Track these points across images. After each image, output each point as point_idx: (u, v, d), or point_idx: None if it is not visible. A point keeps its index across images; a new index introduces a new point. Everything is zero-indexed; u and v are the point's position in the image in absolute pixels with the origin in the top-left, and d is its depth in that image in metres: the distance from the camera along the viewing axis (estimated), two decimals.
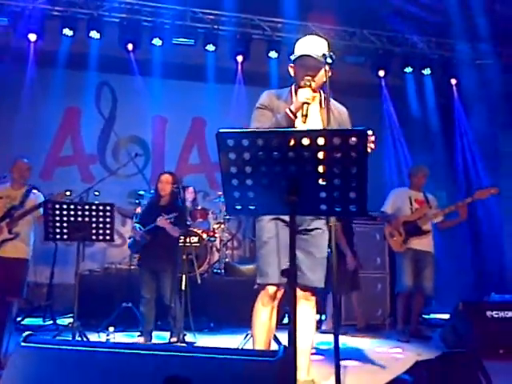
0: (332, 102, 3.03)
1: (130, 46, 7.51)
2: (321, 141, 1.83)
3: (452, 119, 8.80)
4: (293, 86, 3.04)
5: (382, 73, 8.26)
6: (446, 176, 8.59)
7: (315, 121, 2.94)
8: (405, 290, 5.49)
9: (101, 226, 4.53)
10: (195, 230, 6.52)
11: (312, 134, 1.85)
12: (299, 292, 2.82)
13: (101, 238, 4.58)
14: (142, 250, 5.11)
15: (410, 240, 5.50)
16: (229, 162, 1.91)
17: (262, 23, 7.51)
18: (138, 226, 5.13)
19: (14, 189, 5.10)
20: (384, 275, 6.43)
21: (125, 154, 7.34)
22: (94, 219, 4.50)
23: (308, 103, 2.73)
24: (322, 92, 3.03)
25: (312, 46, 2.89)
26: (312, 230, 2.94)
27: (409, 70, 8.22)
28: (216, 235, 6.78)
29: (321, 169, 1.88)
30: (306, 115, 2.70)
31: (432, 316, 6.82)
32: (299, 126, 2.78)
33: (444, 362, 1.89)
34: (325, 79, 2.92)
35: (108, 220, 4.55)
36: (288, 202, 1.93)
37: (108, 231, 4.57)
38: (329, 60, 2.68)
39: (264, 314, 2.91)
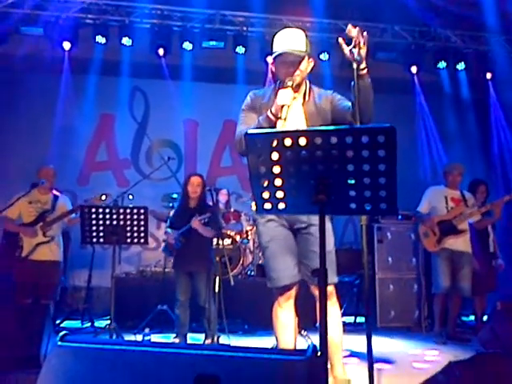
0: (314, 90, 2.97)
1: (161, 51, 7.64)
2: (349, 139, 1.83)
3: (488, 114, 8.60)
4: (277, 84, 2.98)
5: (414, 69, 8.16)
6: (483, 173, 8.40)
7: (297, 119, 2.87)
8: (441, 291, 5.39)
9: (135, 229, 4.64)
10: (228, 232, 6.56)
11: (340, 132, 1.85)
12: (317, 291, 2.79)
13: (135, 240, 4.69)
14: (176, 252, 5.14)
15: (445, 240, 5.41)
16: (257, 162, 1.93)
17: (290, 23, 7.51)
18: (169, 230, 5.16)
19: (41, 193, 5.27)
20: (420, 276, 6.33)
21: (158, 157, 7.43)
22: (128, 222, 4.62)
23: (287, 105, 2.67)
24: (307, 82, 2.96)
25: (289, 40, 2.83)
26: (307, 227, 2.89)
27: (442, 65, 8.07)
28: (249, 237, 6.80)
29: (349, 167, 1.87)
30: (285, 118, 2.65)
31: (471, 318, 6.66)
32: (280, 128, 2.71)
33: (478, 363, 1.85)
34: (309, 69, 2.90)
35: (142, 223, 4.65)
36: (317, 201, 1.93)
37: (142, 234, 4.67)
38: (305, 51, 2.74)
39: (283, 315, 2.90)
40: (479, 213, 5.50)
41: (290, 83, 2.76)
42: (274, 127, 2.72)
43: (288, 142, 1.88)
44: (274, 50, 2.87)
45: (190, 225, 4.92)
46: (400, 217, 6.45)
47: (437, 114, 8.56)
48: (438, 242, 5.43)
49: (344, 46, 2.60)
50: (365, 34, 2.55)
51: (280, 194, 1.99)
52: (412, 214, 5.91)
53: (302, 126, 2.85)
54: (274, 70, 2.96)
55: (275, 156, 1.91)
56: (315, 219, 2.83)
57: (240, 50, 7.74)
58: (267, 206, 2.03)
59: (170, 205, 6.65)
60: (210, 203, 5.32)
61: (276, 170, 1.93)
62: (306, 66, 2.90)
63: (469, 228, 5.48)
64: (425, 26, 7.93)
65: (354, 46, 2.54)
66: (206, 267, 4.89)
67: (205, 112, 8.25)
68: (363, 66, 2.63)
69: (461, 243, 5.41)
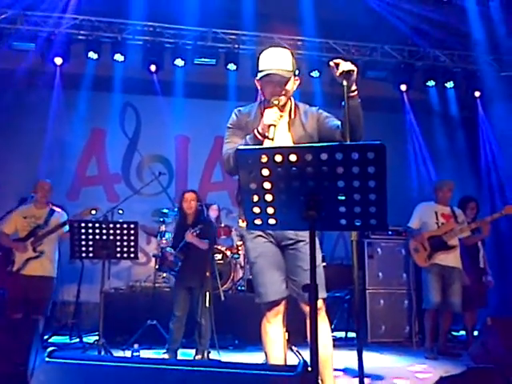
0: (300, 108, 2.97)
1: (152, 68, 7.67)
2: (339, 156, 1.84)
3: (476, 132, 8.70)
4: (262, 103, 2.96)
5: (404, 87, 8.24)
6: (472, 190, 8.46)
7: (284, 138, 2.88)
8: (432, 307, 5.41)
9: (125, 243, 4.61)
10: (219, 247, 6.55)
11: (330, 149, 1.86)
12: (306, 307, 2.78)
13: (125, 255, 4.66)
14: (178, 269, 5.13)
15: (435, 255, 5.45)
16: (248, 178, 1.94)
17: (281, 41, 7.59)
18: (168, 248, 5.21)
19: (37, 208, 5.26)
20: (411, 291, 6.33)
21: (148, 173, 7.45)
22: (118, 237, 4.58)
23: (274, 125, 2.67)
24: (292, 100, 2.96)
25: (276, 59, 2.83)
26: (295, 243, 2.88)
27: (431, 83, 8.17)
28: (239, 252, 6.78)
29: (340, 183, 1.88)
30: (273, 138, 2.65)
31: (462, 333, 6.67)
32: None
33: (469, 378, 1.85)
34: (295, 87, 2.91)
35: (132, 238, 4.62)
36: (307, 217, 1.93)
37: (132, 249, 4.64)
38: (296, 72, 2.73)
39: (271, 330, 2.88)
40: (469, 229, 5.55)
41: (276, 102, 2.77)
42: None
43: (278, 158, 1.89)
44: (259, 69, 2.87)
45: (185, 240, 4.96)
46: (390, 232, 6.48)
47: (426, 131, 8.65)
48: (428, 257, 5.47)
49: (334, 69, 2.66)
50: (353, 67, 2.62)
51: (270, 210, 1.99)
52: (402, 229, 5.95)
53: (289, 144, 2.84)
54: (259, 87, 2.96)
55: (266, 172, 1.92)
56: (302, 235, 2.85)
57: (231, 66, 7.81)
58: (258, 221, 2.03)
59: (161, 219, 6.64)
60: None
61: (267, 185, 1.94)
62: (292, 85, 2.91)
63: (459, 243, 5.52)
64: (414, 45, 8.04)
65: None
66: (203, 281, 4.93)
67: (196, 128, 8.27)
68: (354, 88, 2.69)
69: (451, 259, 5.44)
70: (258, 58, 2.91)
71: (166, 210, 6.70)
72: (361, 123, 2.75)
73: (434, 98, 8.48)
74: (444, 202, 5.63)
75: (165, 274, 6.45)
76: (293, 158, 1.88)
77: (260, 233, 2.88)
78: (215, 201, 7.31)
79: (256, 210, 2.00)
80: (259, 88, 2.96)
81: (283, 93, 2.85)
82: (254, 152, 1.95)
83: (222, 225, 7.03)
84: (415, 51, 8.08)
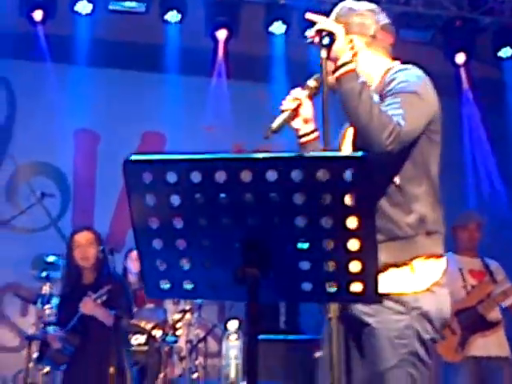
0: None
1: (37, 15, 7.68)
2: (296, 175, 1.84)
3: None
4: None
5: (461, 57, 8.38)
6: None
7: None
8: None
9: None
10: (142, 323, 6.47)
11: (281, 162, 1.85)
12: None
13: None
14: (68, 363, 5.13)
15: (471, 341, 5.47)
16: (145, 209, 1.94)
17: None
18: (52, 328, 5.21)
19: None
20: None
21: (26, 193, 7.40)
22: None
23: (289, 109, 2.78)
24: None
25: None
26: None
27: (506, 53, 8.32)
28: (178, 332, 6.75)
29: (299, 222, 1.89)
30: (273, 130, 2.74)
31: None
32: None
33: None
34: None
35: None
36: (245, 277, 1.94)
37: None
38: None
39: None
40: None
41: (312, 84, 2.81)
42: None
43: (196, 176, 1.88)
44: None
45: (80, 312, 4.98)
46: None
47: (497, 129, 8.77)
48: (460, 345, 5.49)
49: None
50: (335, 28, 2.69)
51: (185, 264, 2.01)
52: None
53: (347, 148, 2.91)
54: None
55: (176, 200, 1.92)
56: (374, 315, 2.67)
57: (173, 17, 7.88)
58: (164, 284, 2.05)
59: (44, 274, 6.55)
60: None
61: (177, 223, 1.95)
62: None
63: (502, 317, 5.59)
64: None
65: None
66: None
67: (111, 118, 8.33)
68: (344, 59, 2.68)
69: (493, 344, 5.51)
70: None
71: (52, 258, 6.62)
72: (371, 121, 2.67)
73: (509, 75, 8.62)
74: (470, 249, 5.74)
75: (48, 369, 6.36)
76: (220, 176, 1.88)
77: None
78: None
79: (160, 264, 2.02)
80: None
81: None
82: (157, 164, 1.93)
83: None
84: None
